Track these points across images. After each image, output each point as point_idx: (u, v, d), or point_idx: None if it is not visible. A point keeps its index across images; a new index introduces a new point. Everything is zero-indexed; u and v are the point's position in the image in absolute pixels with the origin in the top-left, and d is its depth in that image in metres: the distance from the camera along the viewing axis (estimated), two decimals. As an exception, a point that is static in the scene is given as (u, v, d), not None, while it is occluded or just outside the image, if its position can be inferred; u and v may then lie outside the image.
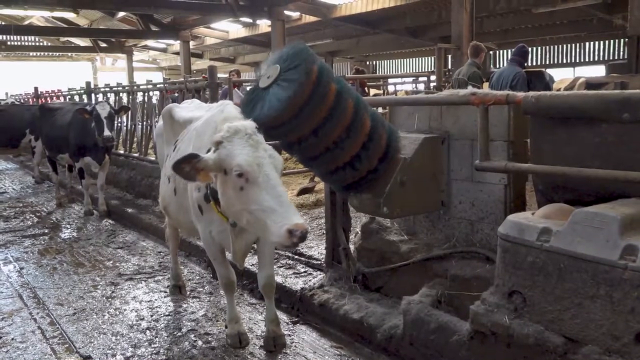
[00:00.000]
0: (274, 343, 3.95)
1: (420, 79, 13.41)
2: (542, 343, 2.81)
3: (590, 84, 11.29)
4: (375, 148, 3.38)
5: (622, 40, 19.15)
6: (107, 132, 7.94)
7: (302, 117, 3.11)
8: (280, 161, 3.04)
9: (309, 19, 18.75)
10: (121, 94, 11.57)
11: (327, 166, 3.40)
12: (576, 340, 2.71)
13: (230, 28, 23.61)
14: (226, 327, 4.18)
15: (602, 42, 20.15)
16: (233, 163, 2.94)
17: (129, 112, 10.26)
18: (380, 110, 5.79)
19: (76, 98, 13.62)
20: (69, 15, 23.58)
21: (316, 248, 5.72)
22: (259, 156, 2.94)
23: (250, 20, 20.56)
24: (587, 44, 20.59)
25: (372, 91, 13.08)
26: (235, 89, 8.62)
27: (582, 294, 2.66)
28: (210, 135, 3.55)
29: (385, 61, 28.57)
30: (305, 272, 5.17)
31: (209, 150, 3.51)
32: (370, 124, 3.33)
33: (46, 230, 7.87)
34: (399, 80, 14.66)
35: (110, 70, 35.22)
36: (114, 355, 3.97)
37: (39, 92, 16.87)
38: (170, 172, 4.10)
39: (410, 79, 13.85)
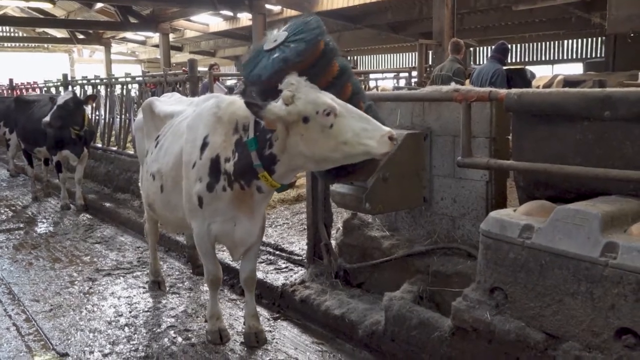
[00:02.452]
0: (256, 339, 3.93)
1: (402, 74, 13.43)
2: (523, 339, 2.83)
3: (568, 82, 11.43)
4: None
5: (599, 38, 19.43)
6: (45, 117, 7.74)
7: None
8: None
9: (290, 12, 18.57)
10: (99, 87, 11.39)
11: None
12: (557, 336, 2.73)
13: (210, 21, 23.36)
14: (206, 321, 4.15)
15: (580, 40, 20.40)
16: (319, 105, 2.99)
17: (108, 106, 10.10)
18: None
19: (52, 90, 13.38)
20: (45, 6, 23.10)
21: (297, 244, 5.70)
22: (327, 94, 3.06)
23: (231, 14, 20.39)
24: (565, 41, 20.82)
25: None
26: (217, 82, 8.52)
27: (563, 291, 2.68)
28: (205, 124, 3.51)
29: (367, 56, 28.57)
30: (286, 267, 5.15)
31: (204, 138, 3.48)
32: (364, 111, 3.31)
33: (21, 225, 7.72)
34: (380, 75, 14.66)
35: (87, 62, 34.64)
36: (91, 352, 3.90)
37: (14, 84, 16.52)
38: (156, 169, 4.05)
39: (392, 75, 13.86)
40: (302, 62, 3.04)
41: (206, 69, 10.88)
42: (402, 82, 12.63)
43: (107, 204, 8.31)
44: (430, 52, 12.13)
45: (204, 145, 3.50)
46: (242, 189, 3.44)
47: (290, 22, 3.28)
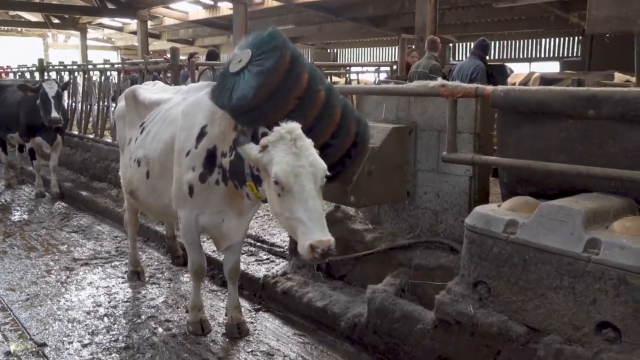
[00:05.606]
0: (238, 330, 3.92)
1: (382, 68, 13.44)
2: (505, 332, 2.88)
3: (545, 79, 11.63)
4: (345, 137, 3.36)
5: (576, 38, 19.75)
6: (54, 114, 7.61)
7: (273, 104, 3.05)
8: (321, 169, 2.94)
9: (271, 3, 18.49)
10: (76, 73, 11.16)
11: None
12: (538, 329, 2.79)
13: (190, 9, 23.04)
14: (187, 311, 4.13)
15: (557, 39, 20.70)
16: (272, 171, 2.90)
17: (86, 93, 9.90)
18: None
19: (27, 75, 13.08)
20: (20, -12, 22.54)
21: (279, 235, 5.68)
22: (298, 165, 2.87)
23: (212, 2, 20.17)
24: (543, 40, 21.11)
25: (333, 79, 13.03)
26: (207, 70, 8.36)
27: (546, 285, 2.73)
28: (204, 113, 3.47)
29: (347, 49, 28.58)
30: (267, 259, 5.14)
31: (203, 128, 3.43)
32: (341, 113, 3.31)
33: (-6, 212, 7.56)
34: (360, 69, 14.66)
35: (62, 48, 33.86)
36: (70, 343, 3.85)
37: (-14, 68, 16.13)
38: (142, 155, 4.00)
39: (373, 69, 13.87)
40: (268, 84, 2.98)
41: (185, 57, 10.73)
42: (383, 76, 12.65)
43: (84, 193, 8.17)
44: (412, 47, 12.16)
45: (201, 135, 3.44)
46: (235, 187, 3.41)
47: (251, 37, 3.22)
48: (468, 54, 9.71)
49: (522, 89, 3.36)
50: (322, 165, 2.95)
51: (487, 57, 9.12)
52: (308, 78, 3.13)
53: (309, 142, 2.96)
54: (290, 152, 2.89)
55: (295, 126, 2.96)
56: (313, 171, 2.90)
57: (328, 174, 2.98)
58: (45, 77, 11.36)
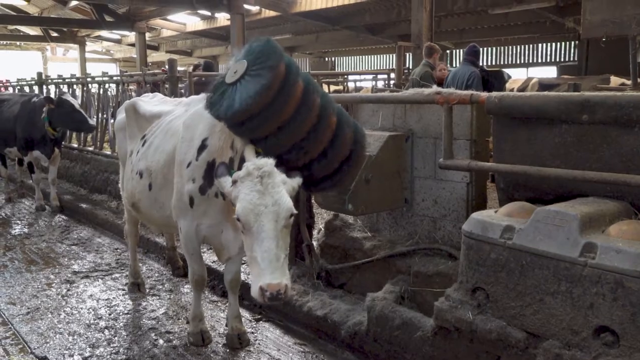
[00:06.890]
0: (239, 340, 3.92)
1: (380, 76, 13.51)
2: (504, 338, 2.88)
3: (543, 85, 11.67)
4: (341, 145, 3.37)
5: (572, 42, 19.81)
6: (92, 121, 8.09)
7: (269, 114, 3.06)
8: (285, 208, 2.90)
9: (268, 13, 18.59)
10: (75, 86, 11.21)
11: (294, 164, 3.37)
12: (537, 335, 2.79)
13: (187, 20, 23.18)
14: (188, 322, 4.13)
15: (554, 44, 20.76)
16: (235, 207, 2.92)
17: (85, 105, 9.97)
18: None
19: (26, 89, 13.12)
20: (19, 3, 22.67)
21: (278, 244, 5.68)
22: (260, 204, 2.86)
23: (209, 13, 20.25)
24: (539, 45, 21.17)
25: (332, 87, 13.10)
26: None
27: (544, 290, 2.74)
28: (205, 126, 3.48)
29: (344, 57, 28.67)
30: (267, 268, 5.13)
31: (203, 140, 3.45)
32: (336, 122, 3.32)
33: (-5, 226, 7.57)
34: (358, 77, 14.73)
35: (61, 61, 34.00)
36: (71, 356, 3.85)
37: (-14, 82, 16.15)
38: (144, 167, 4.02)
39: (370, 76, 13.94)
40: (264, 95, 2.97)
41: (183, 68, 10.79)
42: (380, 84, 12.72)
43: (84, 205, 8.19)
44: (408, 55, 12.22)
45: (202, 147, 3.46)
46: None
47: (247, 47, 3.23)
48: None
49: (517, 95, 3.38)
50: (287, 204, 2.92)
51: (484, 63, 9.14)
52: (303, 87, 3.13)
53: (278, 180, 2.94)
54: (255, 190, 2.89)
55: (265, 162, 2.96)
56: (276, 210, 2.88)
57: (294, 212, 2.96)
58: (45, 91, 11.43)
